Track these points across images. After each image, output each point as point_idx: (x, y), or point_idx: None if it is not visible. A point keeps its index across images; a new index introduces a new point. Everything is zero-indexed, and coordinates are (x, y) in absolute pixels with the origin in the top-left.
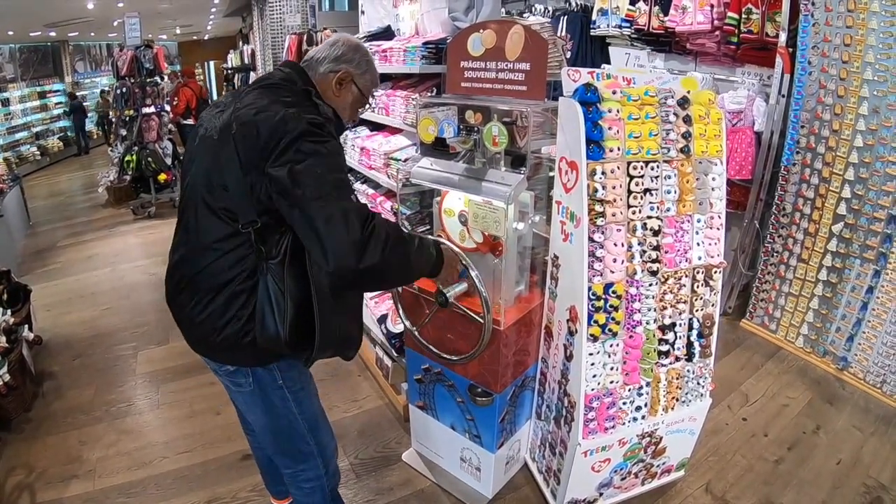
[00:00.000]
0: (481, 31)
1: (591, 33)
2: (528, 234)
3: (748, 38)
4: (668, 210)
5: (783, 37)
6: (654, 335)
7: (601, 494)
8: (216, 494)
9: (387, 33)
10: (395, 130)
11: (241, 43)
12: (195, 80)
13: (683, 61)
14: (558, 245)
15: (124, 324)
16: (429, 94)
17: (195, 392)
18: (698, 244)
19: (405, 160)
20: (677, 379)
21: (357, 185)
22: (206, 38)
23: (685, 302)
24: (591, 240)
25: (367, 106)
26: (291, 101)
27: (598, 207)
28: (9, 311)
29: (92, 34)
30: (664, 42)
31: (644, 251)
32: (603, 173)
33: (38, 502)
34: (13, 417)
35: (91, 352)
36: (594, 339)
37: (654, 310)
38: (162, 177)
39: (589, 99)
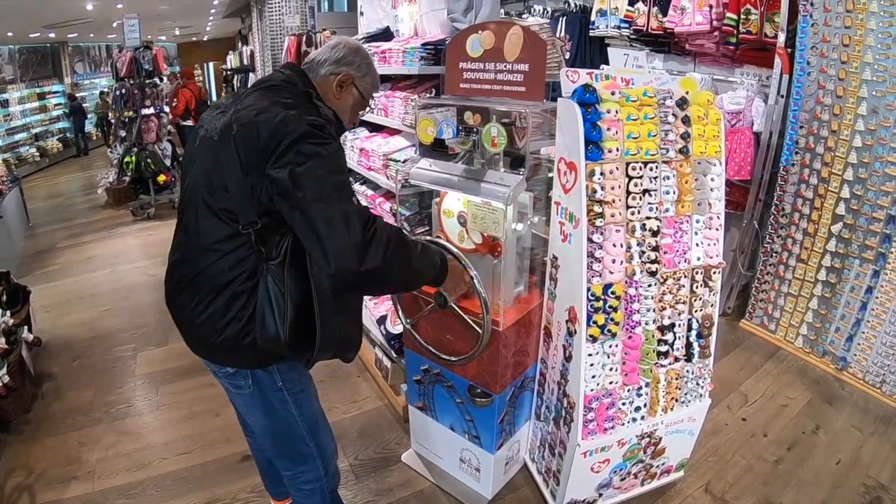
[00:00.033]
0: (480, 32)
1: (590, 34)
2: (527, 234)
3: (747, 38)
4: (667, 211)
5: (782, 37)
6: (653, 336)
7: (601, 495)
8: (215, 496)
9: (386, 34)
10: (394, 131)
11: (240, 44)
12: (194, 82)
13: (682, 62)
14: (557, 246)
15: (124, 325)
16: (428, 95)
17: (194, 393)
18: (697, 245)
19: (404, 161)
20: (676, 379)
21: (356, 186)
22: (205, 39)
23: (684, 302)
24: (589, 240)
25: (368, 109)
26: (292, 102)
27: (596, 208)
28: (8, 313)
29: (91, 35)
30: (663, 43)
31: (643, 252)
32: (602, 174)
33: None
34: (12, 419)
35: (90, 353)
36: (593, 339)
37: (653, 310)
38: (161, 178)
39: (588, 100)
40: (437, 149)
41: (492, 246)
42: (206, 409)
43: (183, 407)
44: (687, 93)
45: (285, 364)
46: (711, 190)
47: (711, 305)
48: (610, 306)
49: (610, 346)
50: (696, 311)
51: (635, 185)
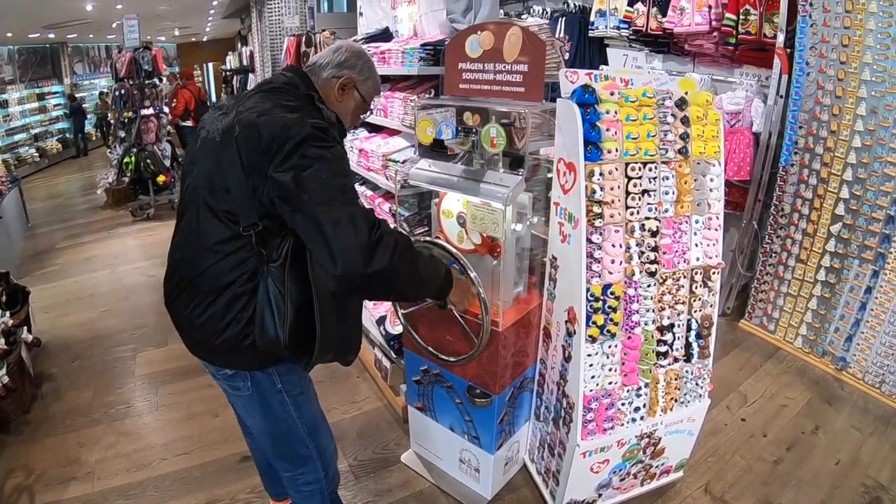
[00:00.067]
0: (479, 32)
1: (590, 34)
2: (527, 235)
3: (746, 38)
4: (667, 211)
5: (781, 38)
6: (652, 336)
7: (600, 495)
8: (215, 496)
9: (385, 35)
10: (393, 132)
11: (239, 45)
12: (194, 82)
13: (682, 62)
14: (556, 246)
15: (123, 325)
16: (427, 95)
17: (194, 394)
18: (696, 245)
19: (403, 162)
20: (676, 380)
21: (356, 187)
22: (204, 39)
23: (683, 303)
24: (589, 241)
25: (369, 112)
26: (295, 105)
27: (596, 209)
28: (7, 313)
29: (91, 36)
30: (662, 43)
31: (642, 252)
32: (601, 174)
33: None
34: (12, 419)
35: (90, 354)
36: (592, 340)
37: (653, 311)
38: (161, 178)
39: (587, 100)
40: (436, 149)
41: (491, 246)
42: (206, 409)
43: (182, 407)
44: (686, 93)
45: (284, 366)
46: (710, 190)
47: (711, 306)
48: (609, 307)
49: (609, 347)
50: (695, 311)
51: (634, 185)
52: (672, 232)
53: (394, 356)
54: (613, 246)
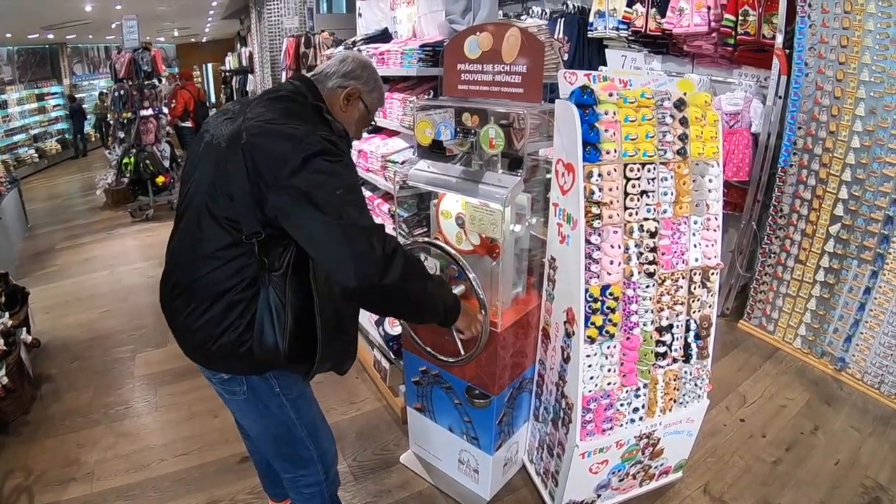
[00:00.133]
0: (478, 33)
1: (589, 35)
2: (526, 236)
3: (745, 39)
4: (665, 212)
5: (780, 38)
6: (651, 337)
7: (599, 496)
8: (214, 497)
9: (384, 36)
10: (392, 133)
11: (239, 45)
12: (193, 83)
13: (680, 63)
14: (555, 247)
15: (122, 326)
16: (426, 96)
17: (193, 395)
18: (695, 246)
19: (402, 162)
20: (675, 380)
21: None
22: (203, 40)
23: (682, 303)
24: (587, 242)
25: (372, 123)
26: (304, 116)
27: (594, 209)
28: (7, 314)
29: (90, 36)
30: (661, 44)
31: (641, 253)
32: (599, 175)
33: None
34: (11, 420)
35: (89, 354)
36: (591, 340)
37: (651, 311)
38: (160, 179)
39: (585, 101)
40: (435, 150)
41: (490, 247)
42: (205, 410)
43: (182, 408)
44: (685, 94)
45: (282, 370)
46: (709, 191)
47: (709, 306)
48: (608, 307)
49: (608, 347)
50: (694, 312)
51: (633, 186)
52: (671, 233)
53: (393, 357)
54: (612, 247)
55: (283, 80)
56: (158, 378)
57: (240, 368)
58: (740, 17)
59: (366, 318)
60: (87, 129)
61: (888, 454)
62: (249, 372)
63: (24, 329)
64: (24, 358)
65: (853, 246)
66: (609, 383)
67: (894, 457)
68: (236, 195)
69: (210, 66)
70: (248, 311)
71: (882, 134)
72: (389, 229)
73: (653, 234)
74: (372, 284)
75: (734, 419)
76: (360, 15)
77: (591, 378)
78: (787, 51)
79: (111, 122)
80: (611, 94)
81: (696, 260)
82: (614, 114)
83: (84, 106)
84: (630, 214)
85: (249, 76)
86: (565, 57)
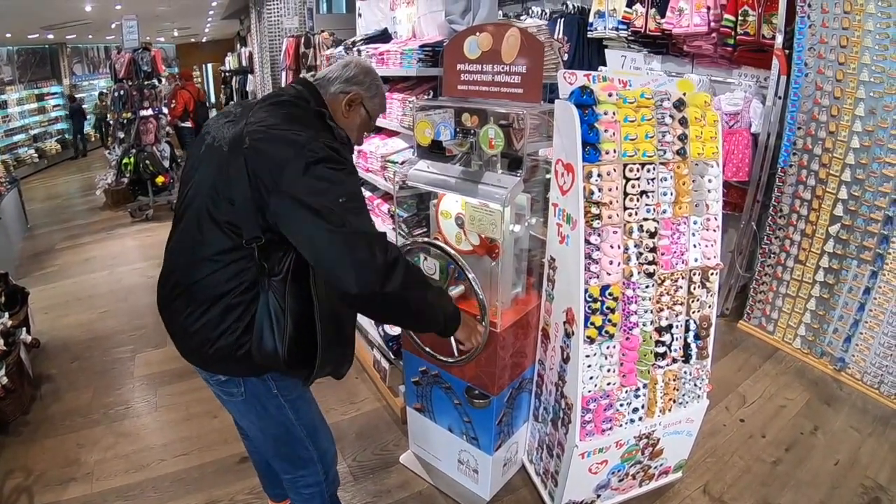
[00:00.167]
0: (478, 33)
1: (588, 35)
2: (525, 236)
3: (745, 39)
4: (665, 212)
5: (780, 38)
6: (650, 337)
7: (599, 496)
8: (213, 497)
9: (384, 36)
10: (391, 133)
11: (238, 45)
12: (193, 83)
13: (680, 63)
14: (555, 247)
15: (122, 326)
16: (425, 96)
17: (193, 395)
18: (695, 246)
19: (402, 163)
20: (674, 380)
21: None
22: (203, 40)
23: (682, 304)
24: (587, 242)
25: (373, 130)
26: (306, 122)
27: (594, 210)
28: (6, 314)
29: (90, 36)
30: (661, 44)
31: (640, 253)
32: (599, 175)
33: None
34: (11, 420)
35: (89, 354)
36: (591, 341)
37: (651, 311)
38: (160, 179)
39: (585, 101)
40: (434, 150)
41: (489, 247)
42: (205, 410)
43: (181, 408)
44: (684, 94)
45: (279, 372)
46: (709, 191)
47: (709, 306)
48: (607, 307)
49: (607, 348)
50: (693, 312)
51: (633, 186)
52: (670, 233)
53: (392, 357)
54: (612, 247)
55: (283, 79)
56: (158, 378)
57: (237, 371)
58: (740, 18)
59: (365, 318)
60: (87, 129)
61: (888, 454)
62: (247, 374)
63: (24, 329)
64: (23, 358)
65: (853, 246)
66: (608, 383)
67: (894, 457)
68: (237, 200)
69: (210, 66)
70: (246, 315)
71: (882, 134)
72: (389, 229)
73: (652, 235)
74: (373, 292)
75: (734, 419)
76: (359, 15)
77: (591, 378)
78: (787, 51)
79: (111, 122)
80: (610, 95)
81: (696, 260)
82: (614, 114)
83: (84, 106)
84: (629, 214)
85: (249, 76)
86: (565, 57)
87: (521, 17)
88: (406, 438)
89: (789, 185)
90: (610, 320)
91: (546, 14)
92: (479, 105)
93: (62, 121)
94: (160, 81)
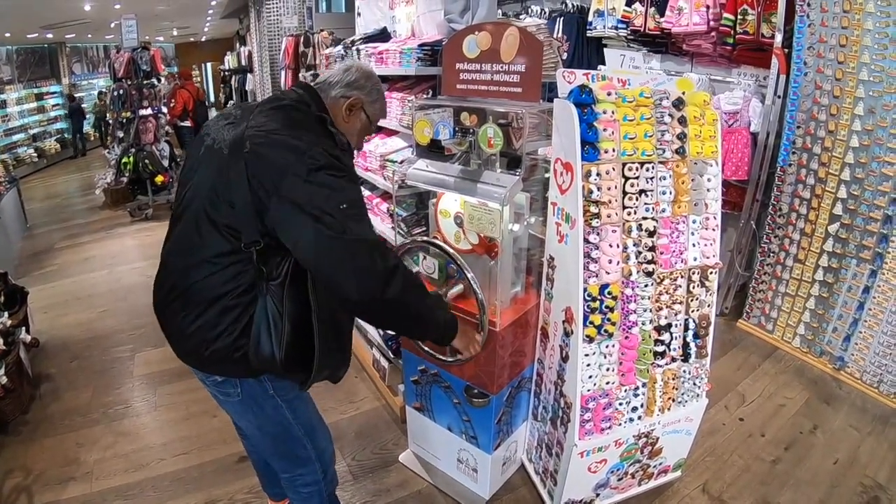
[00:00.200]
0: (476, 32)
1: (588, 35)
2: (524, 235)
3: (744, 38)
4: (664, 211)
5: (779, 38)
6: (649, 336)
7: (598, 495)
8: (213, 496)
9: (383, 35)
10: (391, 132)
11: (238, 45)
12: (192, 82)
13: (680, 62)
14: (554, 246)
15: (121, 326)
16: (424, 95)
17: (192, 394)
18: (694, 245)
19: (401, 162)
20: (673, 379)
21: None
22: (203, 39)
23: (681, 303)
24: (586, 241)
25: (373, 135)
26: (307, 127)
27: (593, 209)
28: (6, 314)
29: (89, 36)
30: (660, 43)
31: (639, 252)
32: (598, 175)
33: None
34: (10, 420)
35: (88, 354)
36: (590, 340)
37: (650, 310)
38: (159, 179)
39: (584, 100)
40: (433, 150)
41: (488, 246)
42: (204, 409)
43: (181, 408)
44: (683, 93)
45: (278, 377)
46: (708, 190)
47: (708, 305)
48: (606, 306)
49: (606, 347)
50: (692, 311)
51: (632, 185)
52: (669, 232)
53: (392, 356)
54: (611, 246)
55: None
56: (157, 377)
57: (234, 372)
58: (739, 17)
59: None
60: (87, 128)
61: (887, 453)
62: (244, 375)
63: (24, 328)
64: (23, 357)
65: (852, 245)
66: (608, 382)
67: (893, 456)
68: (237, 203)
69: (209, 65)
70: (242, 317)
71: (881, 133)
72: (388, 228)
73: (651, 234)
74: (373, 298)
75: (733, 418)
76: (358, 14)
77: (590, 377)
78: (786, 50)
79: (110, 121)
80: (609, 94)
81: (695, 259)
82: (613, 113)
83: (83, 105)
84: (628, 213)
85: (248, 75)
86: (564, 56)
87: (521, 16)
88: (405, 437)
89: (789, 184)
90: (609, 319)
91: (545, 13)
92: (478, 104)
93: (61, 120)
94: (159, 81)
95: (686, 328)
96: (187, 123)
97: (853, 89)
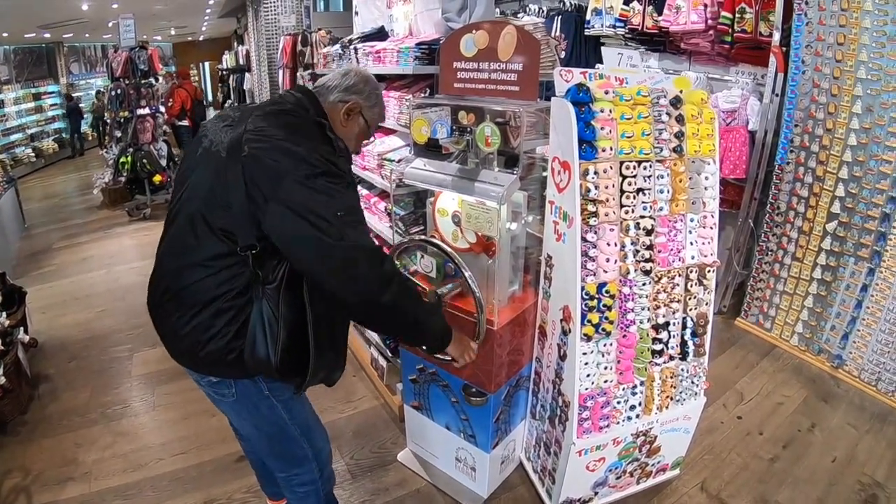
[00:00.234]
0: (474, 31)
1: (585, 33)
2: (522, 234)
3: (742, 37)
4: (661, 209)
5: (777, 36)
6: (647, 334)
7: (596, 493)
8: (212, 496)
9: (380, 34)
10: (388, 131)
11: (235, 44)
12: (190, 82)
13: (678, 61)
14: (552, 245)
15: (119, 326)
16: (422, 94)
17: (190, 394)
18: (691, 243)
19: (399, 161)
20: (671, 378)
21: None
22: (200, 39)
23: (679, 301)
24: (584, 239)
25: (372, 139)
26: (306, 131)
27: (590, 207)
28: (4, 314)
29: (87, 35)
30: (658, 42)
31: (637, 251)
32: (595, 173)
33: None
34: (9, 420)
35: (86, 354)
36: (588, 338)
37: (648, 309)
38: (157, 178)
39: (581, 99)
40: (431, 148)
41: (486, 245)
42: (202, 409)
43: (179, 407)
44: (681, 91)
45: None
46: (705, 189)
47: (706, 304)
48: (604, 305)
49: (604, 345)
50: (690, 309)
51: (629, 183)
52: (667, 230)
53: (390, 355)
54: (608, 244)
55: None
56: (156, 377)
57: (229, 373)
58: (737, 15)
59: None
60: (84, 128)
61: (885, 451)
62: (239, 376)
63: (22, 329)
64: (21, 358)
65: (850, 243)
66: (606, 381)
67: (891, 454)
68: (234, 206)
69: (207, 64)
70: (237, 319)
71: (879, 131)
72: (386, 227)
73: (649, 232)
74: (370, 304)
75: (731, 416)
76: (356, 13)
77: (588, 376)
78: (784, 48)
79: (108, 121)
80: (607, 92)
81: (693, 257)
82: (610, 111)
83: (81, 105)
84: (626, 212)
85: (246, 74)
86: (562, 55)
87: (518, 15)
88: (404, 436)
89: (786, 182)
90: (607, 318)
91: (543, 11)
92: (475, 103)
93: (59, 120)
94: (157, 80)
95: (684, 326)
96: (185, 123)
97: (851, 87)
